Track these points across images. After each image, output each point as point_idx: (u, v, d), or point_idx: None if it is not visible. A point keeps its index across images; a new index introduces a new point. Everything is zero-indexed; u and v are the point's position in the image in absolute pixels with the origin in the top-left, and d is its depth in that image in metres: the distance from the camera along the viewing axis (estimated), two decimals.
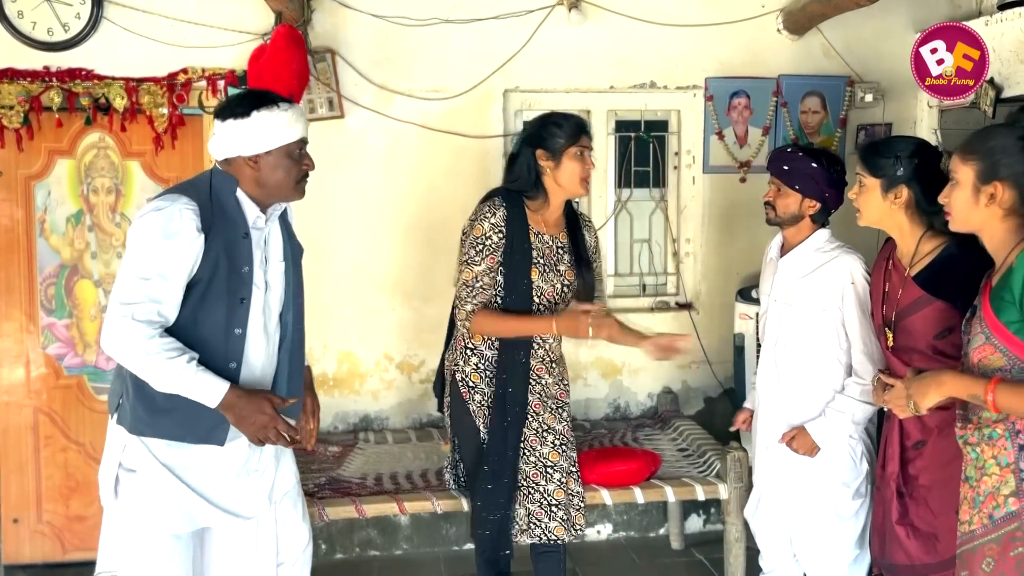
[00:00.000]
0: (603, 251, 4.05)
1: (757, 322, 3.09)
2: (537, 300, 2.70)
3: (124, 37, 3.52)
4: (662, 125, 4.08)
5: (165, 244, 2.07)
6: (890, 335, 2.46)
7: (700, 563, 3.78)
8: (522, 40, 3.76)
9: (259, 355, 2.25)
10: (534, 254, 2.68)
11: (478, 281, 2.67)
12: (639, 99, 3.98)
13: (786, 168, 2.73)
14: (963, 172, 1.97)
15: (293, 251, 2.38)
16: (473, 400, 2.76)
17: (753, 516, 3.02)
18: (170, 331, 2.12)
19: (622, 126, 4.06)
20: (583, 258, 2.79)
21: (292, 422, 2.28)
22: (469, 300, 2.68)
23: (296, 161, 2.23)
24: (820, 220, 2.75)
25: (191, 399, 2.10)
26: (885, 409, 2.50)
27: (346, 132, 3.72)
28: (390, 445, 3.67)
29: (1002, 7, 3.53)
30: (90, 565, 3.65)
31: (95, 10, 3.46)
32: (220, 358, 2.15)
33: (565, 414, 2.84)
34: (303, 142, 2.25)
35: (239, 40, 3.59)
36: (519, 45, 3.76)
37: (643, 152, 4.08)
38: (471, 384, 2.77)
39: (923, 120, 3.98)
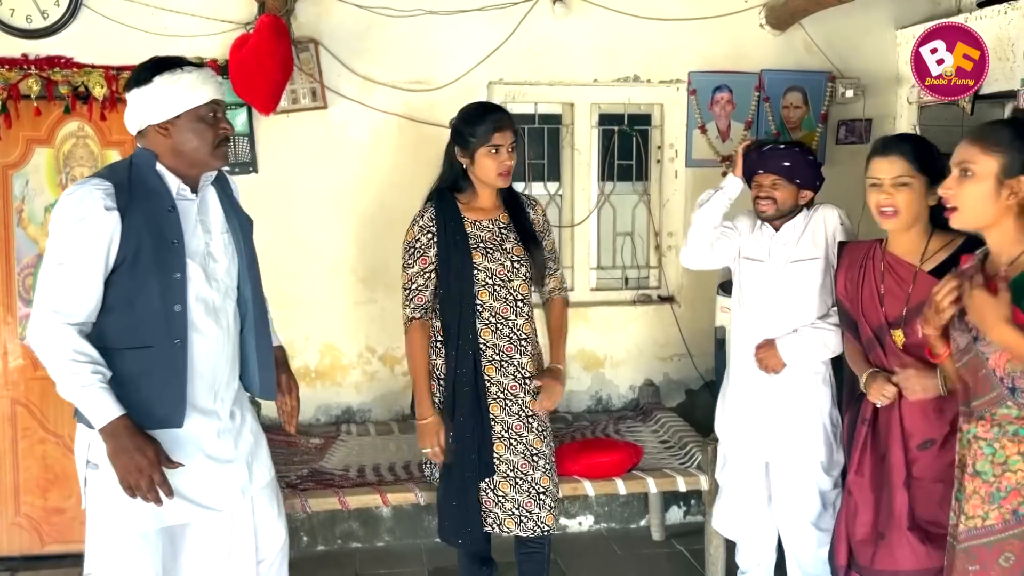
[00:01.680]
0: (587, 242, 4.10)
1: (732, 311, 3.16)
2: (488, 280, 2.72)
3: (104, 25, 3.48)
4: (645, 119, 4.10)
5: (76, 226, 2.05)
6: (899, 334, 2.42)
7: (680, 554, 3.81)
8: (506, 32, 3.76)
9: (210, 331, 2.20)
10: (472, 241, 2.72)
11: (413, 283, 2.73)
12: (623, 93, 3.99)
13: (788, 164, 2.83)
14: (984, 164, 1.89)
15: (240, 223, 2.32)
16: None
17: (726, 515, 3.08)
18: (108, 315, 2.09)
19: (605, 119, 4.07)
20: (529, 234, 2.81)
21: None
22: (408, 304, 2.75)
23: (210, 125, 2.18)
24: (808, 206, 2.92)
25: (150, 384, 2.08)
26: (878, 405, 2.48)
27: (329, 123, 3.71)
28: (372, 437, 3.67)
29: (981, 4, 3.57)
30: (69, 557, 3.65)
31: None
32: (162, 336, 2.11)
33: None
34: (215, 104, 2.19)
35: (221, 29, 3.56)
36: (503, 37, 3.76)
37: (626, 146, 4.09)
38: (441, 376, 2.76)
39: (903, 116, 4.03)
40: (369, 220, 3.77)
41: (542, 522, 2.75)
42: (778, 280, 2.90)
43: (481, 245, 2.73)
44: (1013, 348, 1.85)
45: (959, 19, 3.61)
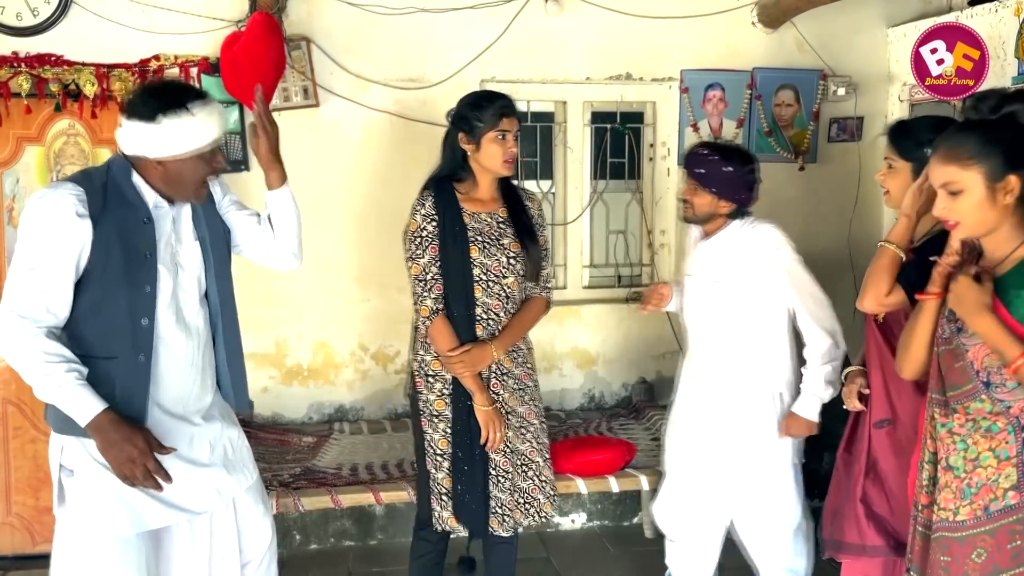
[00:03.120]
0: (580, 240, 4.10)
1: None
2: (482, 276, 2.69)
3: (94, 22, 3.47)
4: (638, 117, 4.11)
5: (46, 231, 2.02)
6: None
7: None
8: (499, 30, 3.76)
9: (178, 343, 2.17)
10: (470, 234, 2.68)
11: (427, 273, 2.68)
12: (615, 90, 3.99)
13: (701, 171, 2.77)
14: (968, 179, 1.88)
15: (211, 231, 2.27)
16: (434, 389, 2.73)
17: (666, 510, 3.04)
18: (75, 323, 2.06)
19: (598, 117, 4.07)
20: (527, 228, 2.77)
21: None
22: (427, 295, 2.68)
23: (207, 162, 2.14)
24: (736, 216, 2.80)
25: (112, 395, 2.04)
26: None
27: (321, 121, 3.70)
28: (365, 435, 3.66)
29: (972, 3, 3.58)
30: None
31: None
32: (127, 349, 2.08)
33: (528, 397, 2.80)
34: (216, 143, 2.14)
35: (212, 27, 3.55)
36: (496, 35, 3.76)
37: (619, 143, 4.10)
38: (431, 372, 2.73)
39: (894, 114, 4.04)
40: (361, 218, 3.76)
41: (518, 522, 2.74)
42: (700, 298, 2.86)
43: (479, 239, 2.69)
44: (987, 337, 1.88)
45: (950, 17, 3.62)
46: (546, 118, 4.05)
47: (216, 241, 2.29)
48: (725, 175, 2.74)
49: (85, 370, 2.02)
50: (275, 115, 3.57)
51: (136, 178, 2.12)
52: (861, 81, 4.02)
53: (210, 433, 2.27)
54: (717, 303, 2.81)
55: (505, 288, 2.73)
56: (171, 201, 2.19)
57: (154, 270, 2.10)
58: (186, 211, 2.24)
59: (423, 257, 2.68)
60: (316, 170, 3.72)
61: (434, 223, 2.68)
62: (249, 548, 2.35)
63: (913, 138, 2.35)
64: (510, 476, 2.74)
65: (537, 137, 4.05)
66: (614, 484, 3.21)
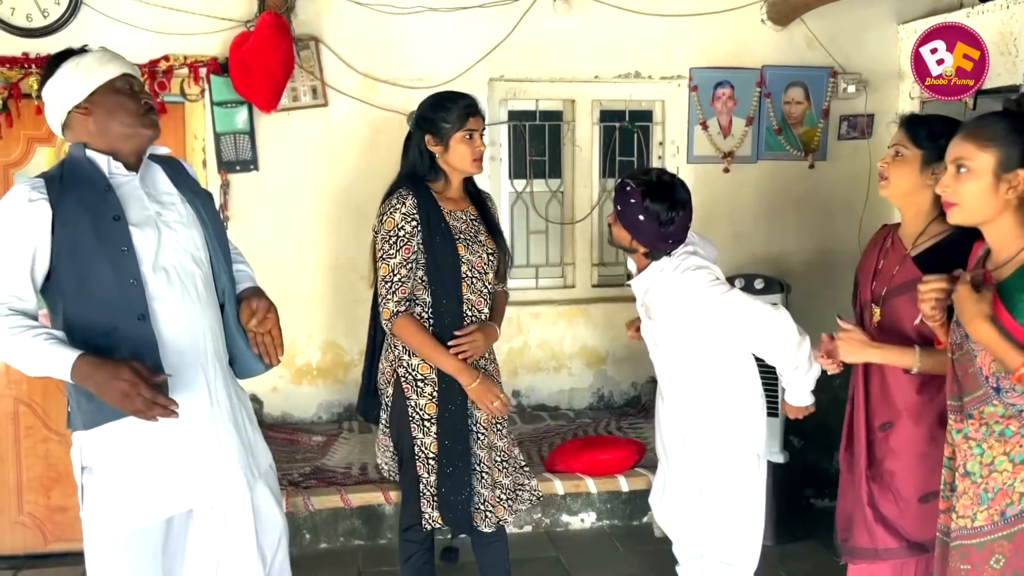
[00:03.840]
0: (589, 239, 4.09)
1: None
2: (468, 273, 2.68)
3: (104, 23, 3.48)
4: (646, 115, 4.10)
5: (4, 222, 2.07)
6: (876, 311, 2.44)
7: None
8: (507, 29, 3.76)
9: (175, 301, 2.15)
10: (453, 231, 2.67)
11: (395, 275, 2.63)
12: (624, 89, 3.99)
13: (619, 208, 2.68)
14: (981, 160, 1.88)
15: (200, 198, 2.29)
16: (424, 393, 2.68)
17: (659, 503, 3.04)
18: (69, 304, 2.09)
19: (607, 116, 4.07)
20: (495, 227, 2.79)
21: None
22: (390, 298, 2.63)
23: (129, 96, 2.18)
24: (655, 256, 2.69)
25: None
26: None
27: (330, 120, 3.71)
28: (375, 434, 3.66)
29: None
30: (72, 556, 3.65)
31: None
32: (124, 314, 2.09)
33: (501, 394, 2.79)
34: (130, 77, 2.21)
35: (221, 27, 3.56)
36: (504, 34, 3.76)
37: (627, 142, 4.09)
38: (420, 376, 2.68)
39: (904, 111, 4.01)
40: (370, 217, 3.72)
41: (499, 517, 2.73)
42: (643, 324, 2.86)
43: (461, 236, 2.68)
44: (987, 346, 1.86)
45: (961, 14, 3.61)
46: (554, 117, 4.05)
47: (207, 207, 2.30)
48: (638, 223, 2.63)
49: (56, 331, 2.05)
50: (284, 115, 3.66)
51: (89, 152, 2.16)
52: (871, 78, 4.00)
53: (229, 412, 2.25)
54: (653, 333, 2.81)
55: (486, 284, 2.73)
56: (129, 166, 2.19)
57: (125, 231, 2.11)
58: (162, 179, 2.25)
59: (394, 257, 2.63)
60: (325, 169, 3.73)
61: (413, 223, 2.64)
62: (260, 534, 2.32)
63: (928, 127, 2.33)
64: (491, 472, 2.73)
65: (546, 136, 4.05)
66: (623, 483, 3.21)
